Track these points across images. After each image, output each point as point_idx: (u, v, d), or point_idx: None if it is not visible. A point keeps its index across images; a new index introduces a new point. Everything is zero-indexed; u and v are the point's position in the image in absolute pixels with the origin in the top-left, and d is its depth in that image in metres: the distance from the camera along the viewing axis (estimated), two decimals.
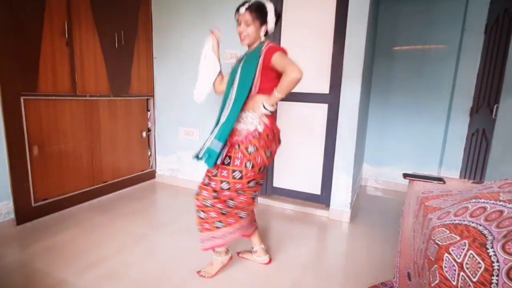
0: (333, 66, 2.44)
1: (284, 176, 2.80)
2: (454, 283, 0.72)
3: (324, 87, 2.50)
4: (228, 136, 1.45)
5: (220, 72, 1.67)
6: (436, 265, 0.78)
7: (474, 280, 0.67)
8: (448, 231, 0.83)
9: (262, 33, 1.49)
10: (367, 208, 2.81)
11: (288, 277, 1.70)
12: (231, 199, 1.52)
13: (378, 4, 3.02)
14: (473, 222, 0.81)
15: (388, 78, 3.24)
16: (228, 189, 1.48)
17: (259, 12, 1.44)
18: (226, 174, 1.47)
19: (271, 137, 1.50)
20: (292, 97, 2.47)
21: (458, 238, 0.78)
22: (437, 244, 0.80)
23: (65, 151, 2.40)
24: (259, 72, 1.43)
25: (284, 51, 1.43)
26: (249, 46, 1.53)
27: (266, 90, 1.45)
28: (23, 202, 2.15)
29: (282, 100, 1.49)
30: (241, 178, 1.46)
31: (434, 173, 3.06)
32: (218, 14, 2.74)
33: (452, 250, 0.75)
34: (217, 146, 1.43)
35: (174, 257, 1.84)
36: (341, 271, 1.80)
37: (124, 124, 2.93)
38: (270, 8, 1.46)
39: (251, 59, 1.47)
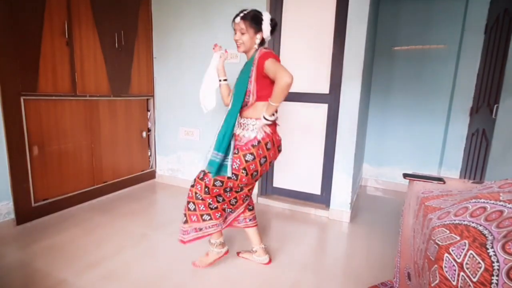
0: (333, 66, 2.44)
1: (284, 176, 2.80)
2: (454, 283, 0.72)
3: (324, 87, 2.50)
4: (226, 145, 1.50)
5: (228, 86, 1.75)
6: (436, 265, 0.78)
7: (474, 280, 0.67)
8: (448, 231, 0.83)
9: (257, 41, 1.53)
10: (367, 208, 2.81)
11: (288, 277, 1.70)
12: (220, 195, 1.60)
13: (378, 4, 3.02)
14: (473, 222, 0.81)
15: (388, 78, 3.24)
16: (221, 186, 1.55)
17: (253, 21, 1.49)
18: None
19: (270, 146, 1.54)
20: (292, 97, 2.47)
21: (458, 238, 0.78)
22: (437, 244, 0.80)
23: (65, 151, 2.40)
24: (254, 80, 1.48)
25: (275, 57, 1.46)
26: (246, 53, 1.59)
27: (264, 97, 1.49)
28: (23, 202, 2.15)
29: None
30: (235, 179, 1.52)
31: (434, 173, 3.06)
32: (218, 14, 2.74)
33: (452, 250, 0.75)
34: (217, 156, 1.50)
35: (174, 257, 1.84)
36: (341, 271, 1.80)
37: (124, 124, 2.93)
38: (266, 17, 1.51)
39: (247, 68, 1.53)
